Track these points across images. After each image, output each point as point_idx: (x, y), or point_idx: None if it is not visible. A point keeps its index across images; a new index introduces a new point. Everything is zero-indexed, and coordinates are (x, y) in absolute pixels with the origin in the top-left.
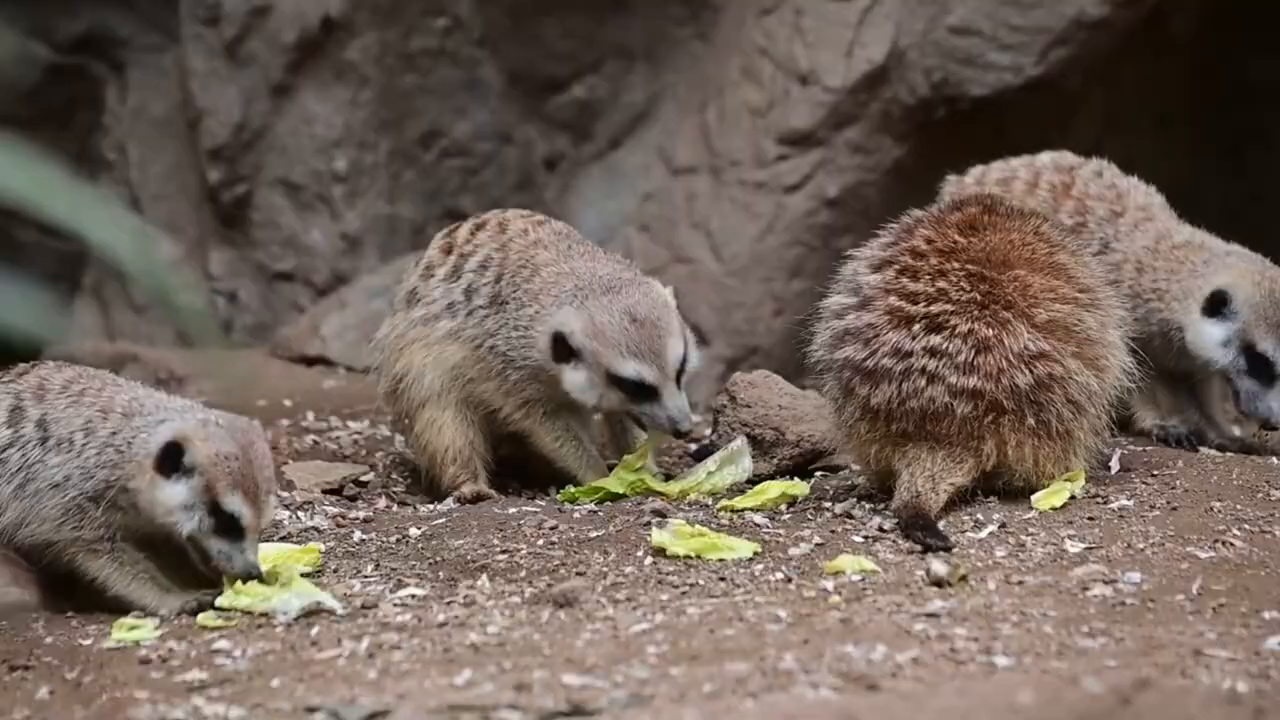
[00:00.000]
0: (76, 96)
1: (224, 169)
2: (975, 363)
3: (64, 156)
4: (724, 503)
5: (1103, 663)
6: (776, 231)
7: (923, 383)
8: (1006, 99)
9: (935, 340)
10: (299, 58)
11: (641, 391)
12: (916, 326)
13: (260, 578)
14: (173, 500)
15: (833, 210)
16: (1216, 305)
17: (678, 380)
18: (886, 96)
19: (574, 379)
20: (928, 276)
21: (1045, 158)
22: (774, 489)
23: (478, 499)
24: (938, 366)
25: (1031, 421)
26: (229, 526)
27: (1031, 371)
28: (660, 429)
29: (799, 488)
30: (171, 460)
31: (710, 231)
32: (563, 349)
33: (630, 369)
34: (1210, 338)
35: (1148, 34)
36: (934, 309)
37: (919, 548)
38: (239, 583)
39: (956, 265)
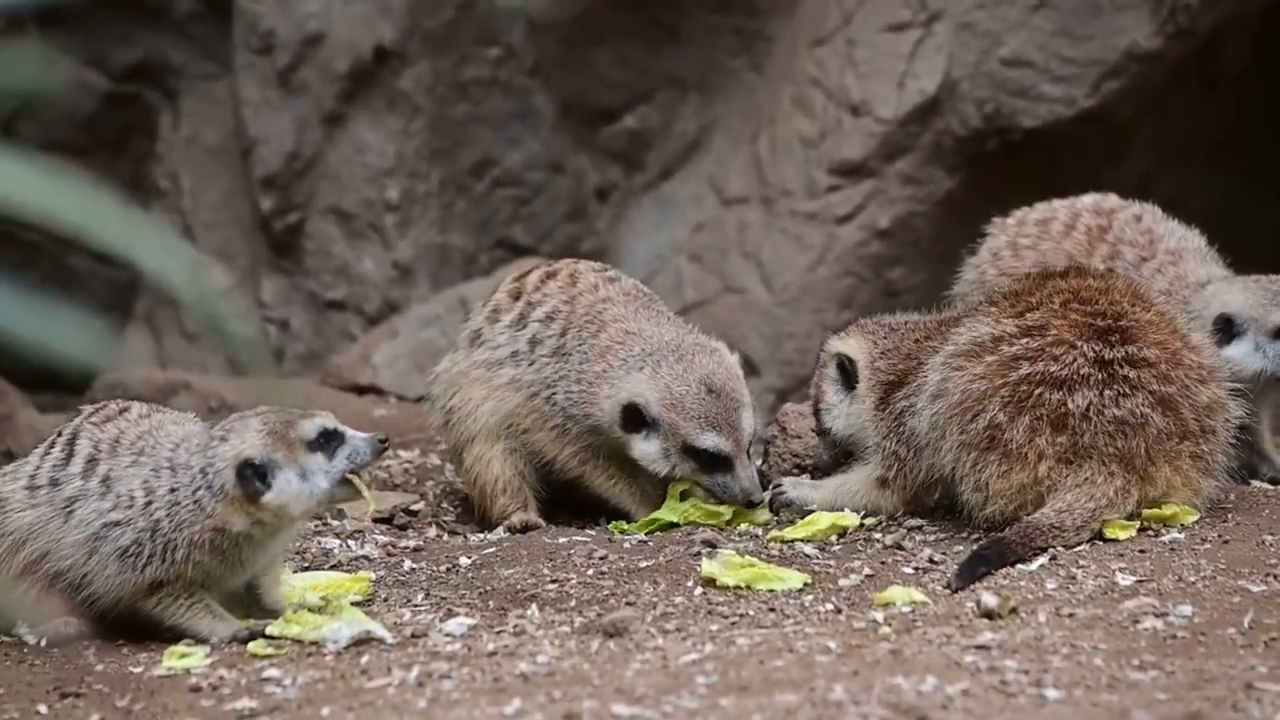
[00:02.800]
0: (130, 124)
1: (276, 197)
2: (1171, 374)
3: (117, 184)
4: (774, 533)
5: (1153, 696)
6: (828, 262)
7: (1126, 390)
8: (1058, 130)
9: (1133, 350)
10: (351, 87)
11: (716, 463)
12: (1113, 338)
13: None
14: (294, 492)
15: (884, 241)
16: (1225, 329)
17: (749, 452)
18: (938, 128)
19: (646, 449)
20: (1101, 301)
21: (1087, 200)
22: (824, 520)
23: (527, 528)
24: (1139, 375)
25: (1204, 447)
26: (327, 442)
27: (1205, 389)
28: (732, 500)
29: (849, 519)
30: (248, 479)
31: (761, 262)
32: (635, 419)
33: (709, 441)
34: (1242, 357)
35: (1199, 66)
36: (1124, 323)
37: (959, 574)
38: (290, 611)
39: (1118, 295)
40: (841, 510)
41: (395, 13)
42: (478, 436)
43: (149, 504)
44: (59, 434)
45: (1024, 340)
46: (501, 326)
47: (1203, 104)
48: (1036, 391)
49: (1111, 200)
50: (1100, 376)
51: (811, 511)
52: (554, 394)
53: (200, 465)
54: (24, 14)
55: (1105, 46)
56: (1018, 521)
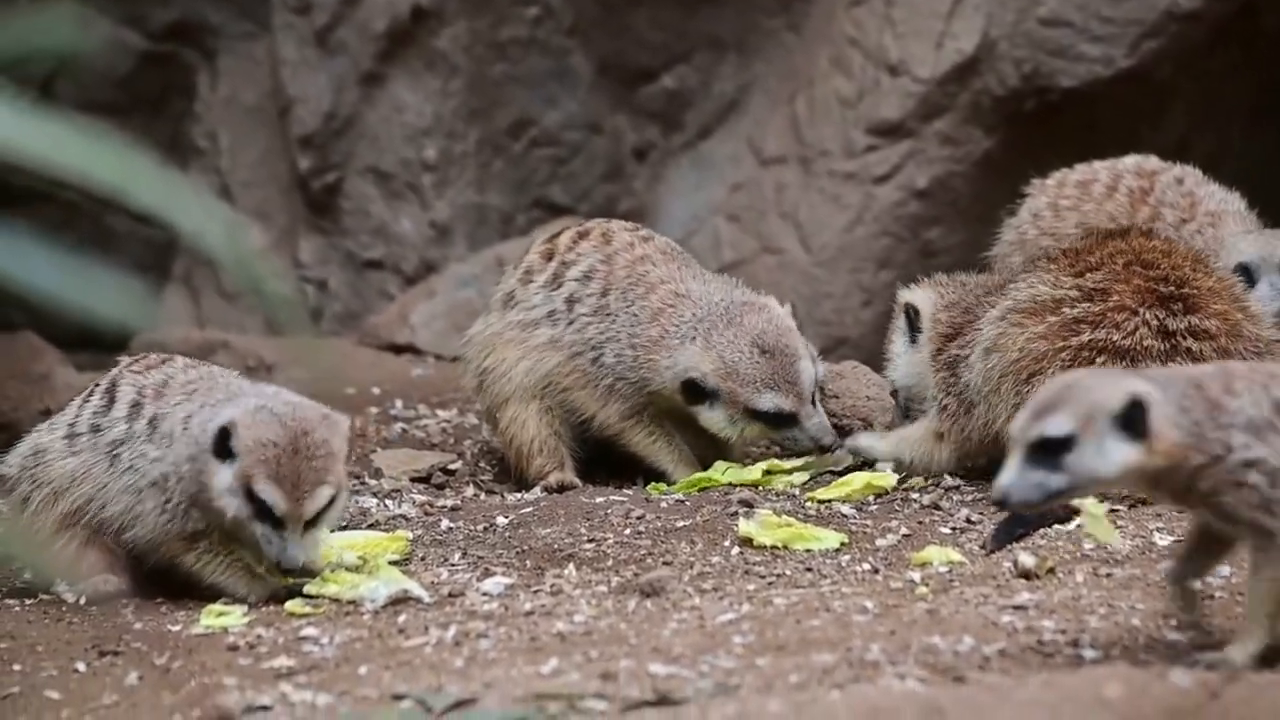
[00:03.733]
0: (168, 84)
1: (314, 157)
2: (1231, 347)
3: (156, 144)
4: (810, 494)
5: (1191, 656)
6: (865, 222)
7: (1188, 362)
8: (1097, 90)
9: (1195, 320)
10: (389, 46)
11: (781, 420)
12: (1176, 306)
13: (292, 572)
14: (220, 483)
15: (922, 201)
16: (1246, 277)
17: (813, 400)
18: (976, 87)
19: (713, 417)
20: (1164, 265)
21: (1129, 161)
22: (860, 480)
23: (564, 488)
24: (1200, 348)
25: None
26: (264, 513)
27: (1262, 360)
28: (806, 451)
29: (886, 479)
30: (223, 445)
31: (799, 222)
32: (696, 391)
33: (768, 402)
34: (1260, 300)
35: (1238, 25)
36: (1186, 291)
37: (994, 535)
38: (327, 570)
39: (1181, 259)
40: (902, 462)
41: None
42: (512, 397)
43: (179, 440)
44: (96, 385)
45: (1085, 304)
46: (535, 287)
47: (1242, 64)
48: (1099, 360)
49: (1153, 162)
50: (1163, 348)
51: (873, 462)
52: (601, 355)
53: (217, 412)
54: None
55: (1144, 6)
56: None
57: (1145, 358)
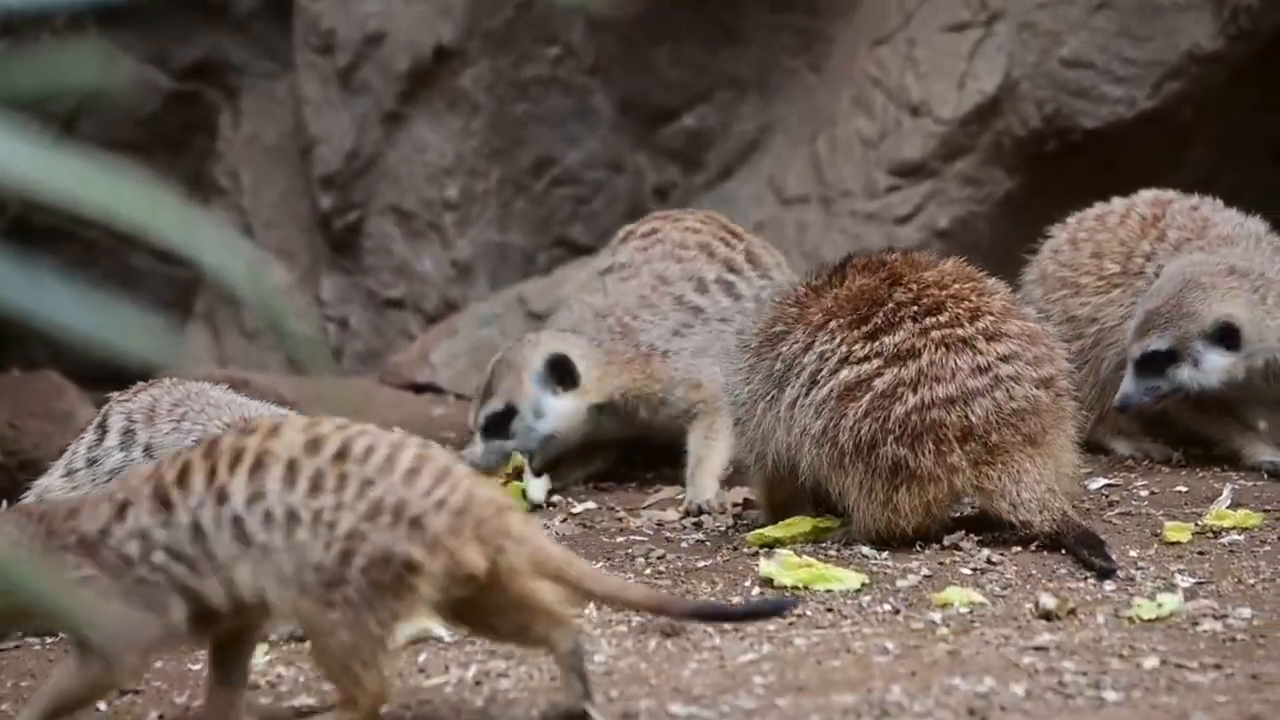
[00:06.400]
0: (191, 122)
1: (336, 196)
2: (1034, 356)
3: (178, 182)
4: (755, 533)
5: (1213, 698)
6: None
7: (1014, 385)
8: (1119, 131)
9: (1000, 348)
10: (411, 86)
11: None
12: (980, 343)
13: None
14: None
15: (944, 242)
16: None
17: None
18: (998, 128)
19: None
20: (950, 309)
21: (1146, 195)
22: (806, 522)
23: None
24: (1016, 369)
25: (1071, 402)
26: None
27: (1059, 355)
28: None
29: (829, 520)
30: None
31: (821, 261)
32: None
33: None
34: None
35: (1259, 67)
36: (980, 324)
37: (1089, 570)
38: None
39: (951, 291)
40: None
41: (455, 12)
42: None
43: None
44: (89, 422)
45: (894, 369)
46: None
47: (1262, 106)
48: (931, 415)
49: (1169, 194)
50: (986, 383)
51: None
52: None
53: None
54: (84, 12)
55: (1166, 47)
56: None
57: (977, 396)
